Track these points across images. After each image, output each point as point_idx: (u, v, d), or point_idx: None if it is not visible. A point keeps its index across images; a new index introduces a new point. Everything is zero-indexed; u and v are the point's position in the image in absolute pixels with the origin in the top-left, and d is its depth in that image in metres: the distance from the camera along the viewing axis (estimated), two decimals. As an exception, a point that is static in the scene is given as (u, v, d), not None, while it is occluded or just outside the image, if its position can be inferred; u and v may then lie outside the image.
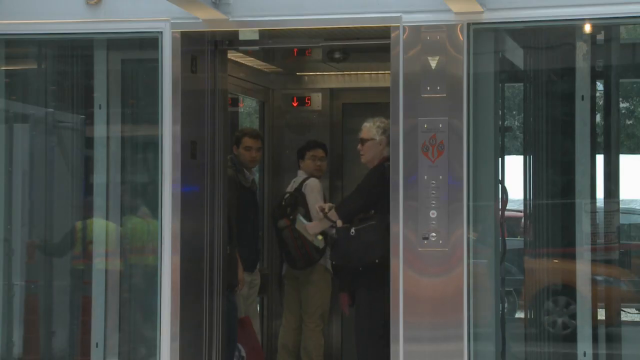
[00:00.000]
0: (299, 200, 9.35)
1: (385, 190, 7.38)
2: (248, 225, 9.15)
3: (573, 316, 7.38)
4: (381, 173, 7.90)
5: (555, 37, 7.43)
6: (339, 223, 8.17)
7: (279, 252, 9.67)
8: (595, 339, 7.28)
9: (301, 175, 9.63)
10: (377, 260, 7.82)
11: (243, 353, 8.83)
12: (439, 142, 7.06)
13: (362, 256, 7.94)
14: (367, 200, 8.05)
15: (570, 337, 7.33)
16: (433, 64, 7.10)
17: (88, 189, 8.22)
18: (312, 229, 8.91)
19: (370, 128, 8.23)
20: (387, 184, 7.30)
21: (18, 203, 8.26)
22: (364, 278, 8.04)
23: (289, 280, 9.65)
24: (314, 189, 9.41)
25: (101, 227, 8.08)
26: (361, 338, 8.15)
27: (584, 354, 7.23)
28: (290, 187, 9.63)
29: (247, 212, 9.14)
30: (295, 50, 9.87)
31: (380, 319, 7.76)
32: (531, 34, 7.42)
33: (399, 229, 7.11)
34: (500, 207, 7.32)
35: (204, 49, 7.87)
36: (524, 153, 7.57)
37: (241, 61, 9.97)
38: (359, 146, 8.28)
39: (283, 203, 9.43)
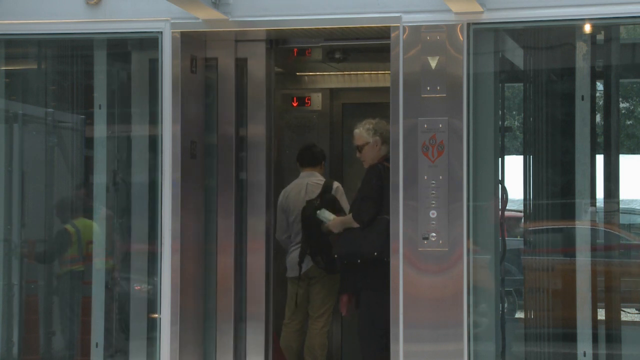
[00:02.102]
0: (336, 204, 9.31)
1: (384, 188, 7.46)
2: None
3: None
4: (378, 172, 7.96)
5: (555, 37, 7.43)
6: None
7: (309, 253, 9.52)
8: (595, 339, 7.29)
9: (314, 175, 9.56)
10: (375, 253, 7.87)
11: None
12: (439, 142, 7.06)
13: (364, 247, 8.00)
14: (378, 200, 8.07)
15: (570, 337, 7.33)
16: (433, 64, 7.10)
17: (86, 189, 8.27)
18: (333, 226, 8.88)
19: (361, 133, 8.25)
20: (383, 182, 7.37)
21: (16, 203, 8.29)
22: (369, 278, 8.04)
23: (303, 281, 9.60)
24: (343, 193, 9.43)
25: (93, 227, 8.13)
26: (366, 338, 8.16)
27: (584, 354, 7.23)
28: (304, 190, 9.55)
29: None
30: (295, 50, 9.87)
31: (385, 320, 7.77)
32: (531, 34, 7.42)
33: (399, 229, 7.11)
34: (500, 207, 7.32)
35: (262, 48, 7.92)
36: (524, 153, 7.57)
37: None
38: (358, 154, 8.30)
39: (317, 206, 9.35)
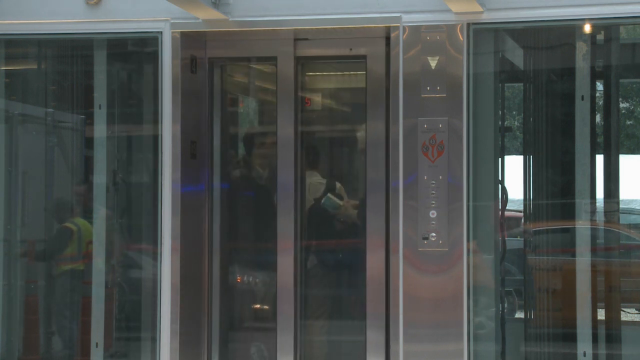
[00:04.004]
0: None
1: None
2: None
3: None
4: None
5: (555, 37, 7.43)
6: None
7: (314, 251, 9.51)
8: (595, 339, 7.29)
9: (315, 175, 9.57)
10: None
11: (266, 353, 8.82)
12: (439, 142, 7.06)
13: None
14: None
15: (570, 337, 7.34)
16: (433, 64, 7.10)
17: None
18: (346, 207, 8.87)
19: None
20: None
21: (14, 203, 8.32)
22: None
23: None
24: (343, 191, 9.43)
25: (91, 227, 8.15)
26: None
27: (584, 354, 7.23)
28: (307, 189, 9.53)
29: None
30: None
31: None
32: (531, 34, 7.43)
33: (399, 228, 7.11)
34: (500, 207, 7.32)
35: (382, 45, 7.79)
36: (524, 153, 7.57)
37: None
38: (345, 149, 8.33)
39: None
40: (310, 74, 8.27)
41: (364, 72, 7.71)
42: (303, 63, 7.96)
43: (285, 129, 7.83)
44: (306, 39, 7.81)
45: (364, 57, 7.69)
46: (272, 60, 7.93)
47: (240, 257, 8.28)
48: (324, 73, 8.50)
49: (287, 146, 7.82)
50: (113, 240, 8.14)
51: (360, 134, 7.99)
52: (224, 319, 8.09)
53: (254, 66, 8.48)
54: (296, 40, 7.80)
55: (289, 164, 7.81)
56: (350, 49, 7.75)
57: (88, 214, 8.18)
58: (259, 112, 8.86)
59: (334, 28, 7.41)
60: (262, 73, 8.44)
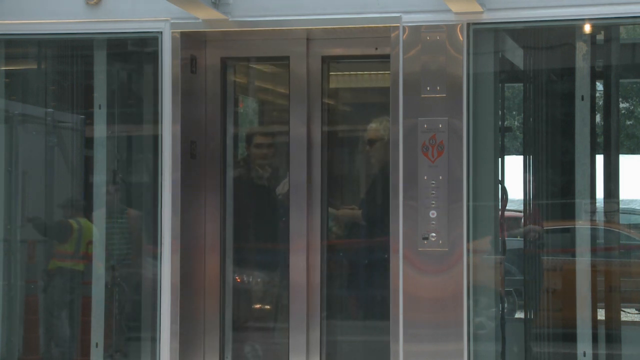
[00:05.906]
0: None
1: None
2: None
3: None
4: None
5: (555, 37, 7.43)
6: None
7: None
8: (595, 339, 7.29)
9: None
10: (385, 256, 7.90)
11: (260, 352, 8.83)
12: (438, 142, 7.07)
13: None
14: None
15: (570, 337, 7.34)
16: (433, 64, 7.10)
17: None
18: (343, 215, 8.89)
19: (377, 128, 8.27)
20: None
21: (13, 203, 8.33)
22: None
23: None
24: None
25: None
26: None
27: (584, 354, 7.23)
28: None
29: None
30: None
31: None
32: (531, 34, 7.43)
33: (399, 228, 7.11)
34: (500, 207, 7.33)
35: None
36: (524, 153, 7.57)
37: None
38: (367, 147, 8.30)
39: None
40: (337, 73, 8.24)
41: (390, 72, 7.67)
42: (329, 62, 7.93)
43: (298, 128, 7.81)
44: (331, 38, 7.78)
45: (389, 56, 7.67)
46: (285, 59, 7.91)
47: (252, 257, 8.27)
48: (350, 72, 8.47)
49: (300, 145, 7.81)
50: (113, 240, 8.14)
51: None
52: (236, 319, 8.10)
53: (272, 66, 8.46)
54: (320, 40, 7.79)
55: (301, 162, 7.80)
56: (376, 48, 7.72)
57: (89, 214, 8.20)
58: (274, 112, 8.85)
59: (355, 27, 7.39)
60: (280, 73, 8.40)
